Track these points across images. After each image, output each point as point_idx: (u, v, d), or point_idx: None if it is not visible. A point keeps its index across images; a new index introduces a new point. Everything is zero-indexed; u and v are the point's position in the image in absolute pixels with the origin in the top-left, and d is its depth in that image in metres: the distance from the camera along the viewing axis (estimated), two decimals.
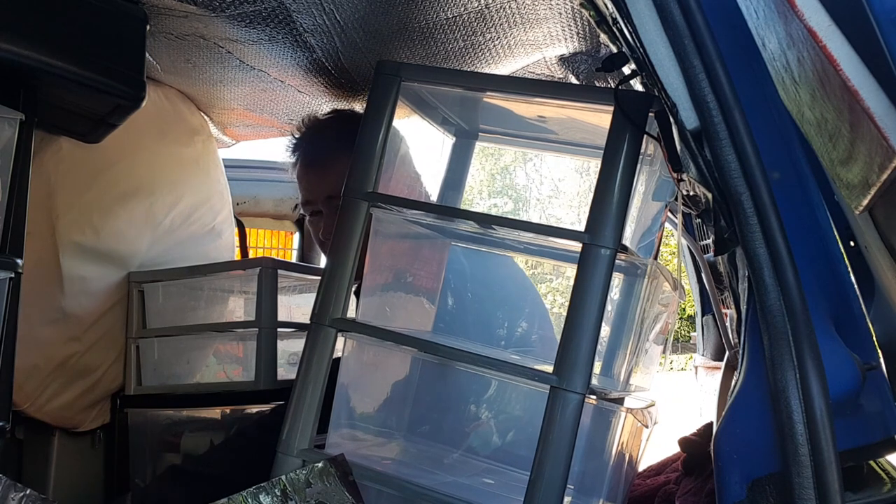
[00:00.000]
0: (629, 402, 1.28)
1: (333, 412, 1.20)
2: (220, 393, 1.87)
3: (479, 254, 1.53)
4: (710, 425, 1.53)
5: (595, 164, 1.11)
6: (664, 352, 1.36)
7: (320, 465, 1.08)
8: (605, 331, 1.27)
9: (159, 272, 1.88)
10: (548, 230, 1.15)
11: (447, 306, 1.47)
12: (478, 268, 1.56)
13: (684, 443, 1.49)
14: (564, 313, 1.06)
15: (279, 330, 1.81)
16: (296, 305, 2.08)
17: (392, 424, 1.32)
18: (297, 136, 1.85)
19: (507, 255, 1.58)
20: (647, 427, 1.26)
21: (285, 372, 1.81)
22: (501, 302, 1.59)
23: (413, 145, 1.63)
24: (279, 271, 1.83)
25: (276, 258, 1.94)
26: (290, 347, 1.90)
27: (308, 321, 1.20)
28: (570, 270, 1.11)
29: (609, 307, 1.12)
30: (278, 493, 1.03)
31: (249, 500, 1.01)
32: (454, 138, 1.45)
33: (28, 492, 0.93)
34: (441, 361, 1.29)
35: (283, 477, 1.05)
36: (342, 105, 1.95)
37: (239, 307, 1.99)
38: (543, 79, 1.76)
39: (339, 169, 1.74)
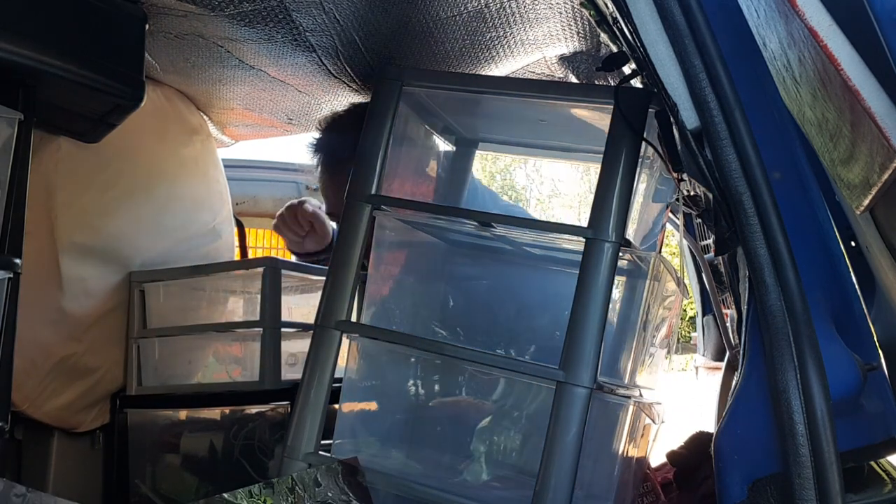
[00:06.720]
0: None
1: (338, 420, 1.19)
2: (223, 393, 1.86)
3: (485, 264, 1.51)
4: (697, 435, 1.49)
5: (596, 167, 1.11)
6: (668, 353, 1.36)
7: (333, 465, 1.07)
8: (609, 329, 1.26)
9: (161, 272, 1.88)
10: (550, 227, 1.15)
11: (454, 318, 1.46)
12: (486, 277, 1.54)
13: (672, 456, 1.45)
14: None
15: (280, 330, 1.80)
16: (294, 306, 2.08)
17: (398, 434, 1.32)
18: (317, 135, 1.83)
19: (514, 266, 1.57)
20: (654, 422, 1.26)
21: (284, 372, 1.81)
22: (512, 314, 1.57)
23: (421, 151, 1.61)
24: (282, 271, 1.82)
25: (279, 258, 1.94)
26: (289, 348, 1.90)
27: (307, 321, 1.19)
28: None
29: (613, 305, 1.11)
30: (287, 490, 1.02)
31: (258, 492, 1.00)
32: (454, 147, 1.44)
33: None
34: (448, 370, 1.28)
35: (294, 475, 1.04)
36: (342, 105, 1.94)
37: (239, 307, 1.98)
38: (544, 79, 1.76)
39: None
